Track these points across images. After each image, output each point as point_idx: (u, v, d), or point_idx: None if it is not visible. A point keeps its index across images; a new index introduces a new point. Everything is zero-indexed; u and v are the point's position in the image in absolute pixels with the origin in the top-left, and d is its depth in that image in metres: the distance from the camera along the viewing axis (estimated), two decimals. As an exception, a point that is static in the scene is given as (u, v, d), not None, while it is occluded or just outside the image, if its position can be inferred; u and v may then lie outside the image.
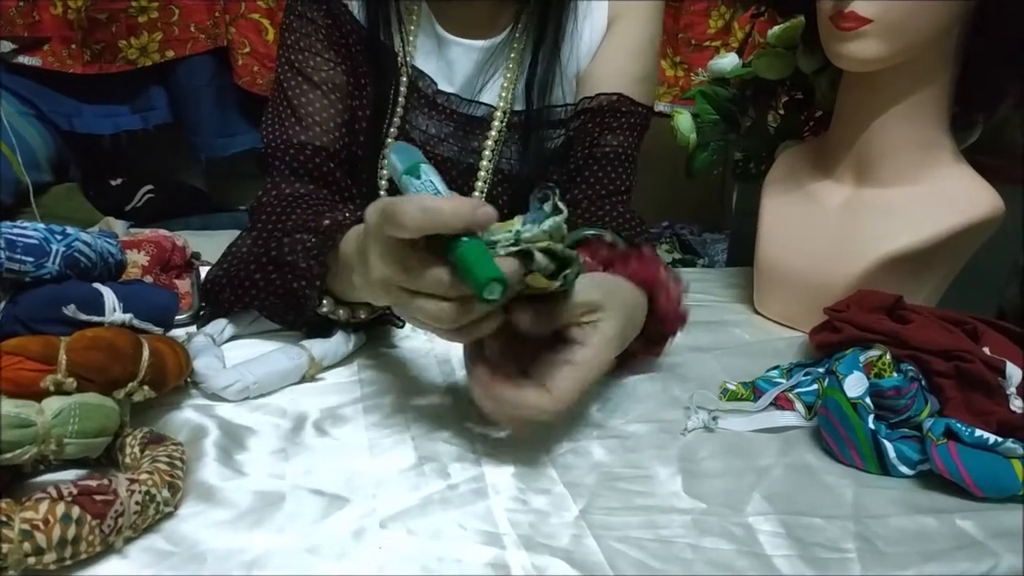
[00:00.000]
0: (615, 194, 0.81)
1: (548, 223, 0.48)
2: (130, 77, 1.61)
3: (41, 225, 0.51)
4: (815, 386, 0.62)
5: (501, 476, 0.51)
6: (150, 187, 1.73)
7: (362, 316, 0.66)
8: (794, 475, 0.54)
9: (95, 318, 0.50)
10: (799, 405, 0.61)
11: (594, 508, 0.49)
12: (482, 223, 0.45)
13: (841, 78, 0.78)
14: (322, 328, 0.66)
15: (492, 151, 0.83)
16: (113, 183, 1.73)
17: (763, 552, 0.46)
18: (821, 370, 0.64)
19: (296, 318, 0.65)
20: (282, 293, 0.64)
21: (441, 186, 0.49)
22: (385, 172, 0.82)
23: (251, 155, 1.75)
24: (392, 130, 0.82)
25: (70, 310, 0.49)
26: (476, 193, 0.83)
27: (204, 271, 0.80)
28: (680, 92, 1.74)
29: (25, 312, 0.50)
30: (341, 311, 0.65)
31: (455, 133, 0.84)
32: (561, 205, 0.49)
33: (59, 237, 0.50)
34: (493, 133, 0.83)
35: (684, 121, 1.03)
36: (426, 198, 0.46)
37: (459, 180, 0.84)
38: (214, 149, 1.76)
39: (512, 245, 0.47)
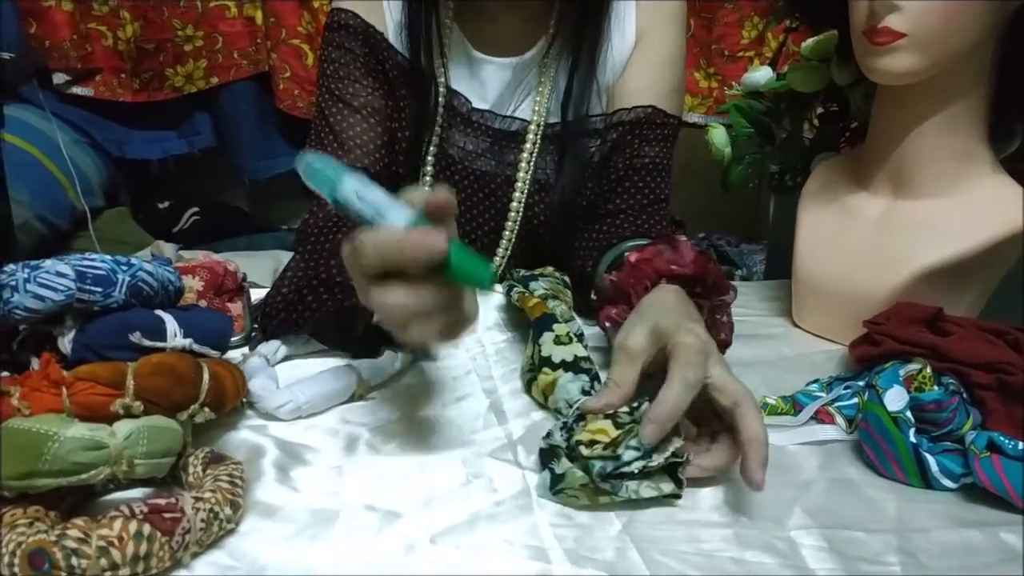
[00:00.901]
0: (655, 203, 0.83)
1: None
2: (176, 104, 1.66)
3: (108, 257, 0.54)
4: (855, 400, 0.62)
5: (546, 492, 0.53)
6: (196, 209, 1.78)
7: None
8: (836, 489, 0.55)
9: (158, 344, 0.53)
10: (839, 419, 0.61)
11: (637, 522, 0.50)
12: (434, 256, 0.44)
13: (876, 90, 0.79)
14: (371, 350, 0.69)
15: (528, 163, 0.85)
16: (161, 206, 1.78)
17: (806, 566, 0.47)
18: (861, 384, 0.64)
19: (347, 338, 0.68)
20: (333, 313, 0.66)
21: (378, 196, 0.47)
22: (427, 187, 0.85)
23: (292, 176, 1.78)
24: (431, 148, 0.85)
25: (136, 337, 0.51)
26: (514, 204, 0.85)
27: (253, 292, 0.83)
28: (714, 104, 1.74)
29: (94, 340, 0.53)
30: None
31: (491, 148, 0.86)
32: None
33: (124, 268, 0.53)
34: (528, 146, 0.85)
35: (718, 135, 1.03)
36: (378, 234, 0.45)
37: (498, 192, 0.86)
38: (257, 171, 1.81)
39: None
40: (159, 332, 0.53)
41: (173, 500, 0.44)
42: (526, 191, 0.86)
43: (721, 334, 0.65)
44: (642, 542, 0.48)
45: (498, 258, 0.88)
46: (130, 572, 0.41)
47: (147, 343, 0.52)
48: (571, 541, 0.48)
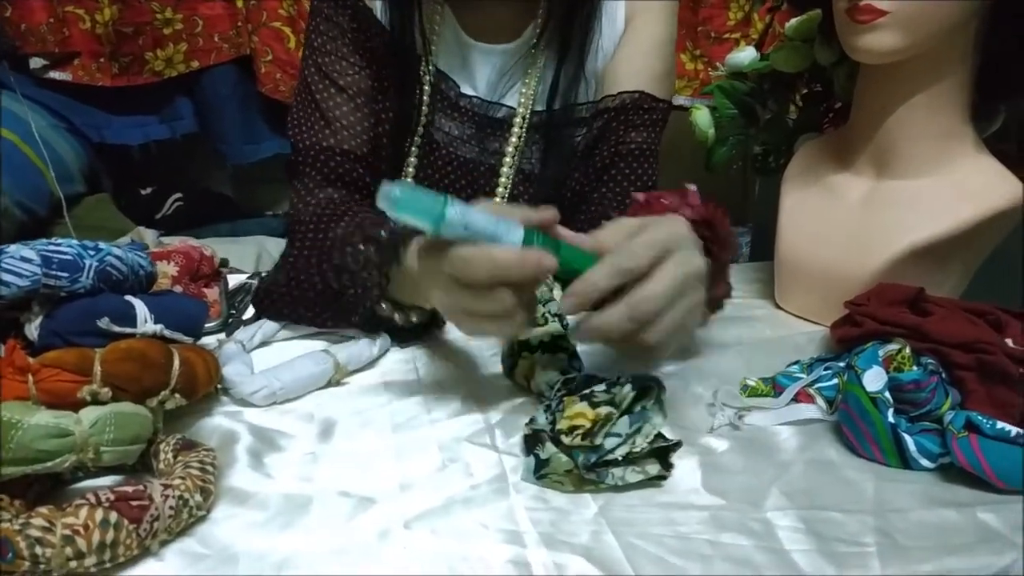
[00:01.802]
0: (642, 190, 0.82)
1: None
2: (157, 88, 1.64)
3: (75, 241, 0.53)
4: (835, 381, 0.62)
5: (521, 475, 0.52)
6: (179, 195, 1.76)
7: (414, 320, 0.69)
8: (814, 470, 0.54)
9: (127, 329, 0.52)
10: (819, 400, 0.61)
11: (613, 505, 0.49)
12: (547, 273, 0.50)
13: (859, 70, 0.78)
14: (372, 328, 0.69)
15: (513, 153, 0.84)
16: (143, 192, 1.77)
17: (781, 547, 0.46)
18: (841, 365, 0.64)
19: (349, 324, 0.68)
20: (342, 302, 0.67)
21: (484, 219, 0.50)
22: (411, 170, 0.83)
23: (275, 160, 1.78)
24: (419, 129, 0.83)
25: (104, 323, 0.51)
26: (499, 191, 0.84)
27: (232, 279, 0.82)
28: (700, 85, 1.73)
29: (61, 326, 0.52)
30: (397, 315, 0.68)
31: (477, 135, 0.85)
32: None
33: (92, 252, 0.52)
34: (515, 134, 0.84)
35: (702, 117, 1.03)
36: (493, 252, 0.49)
37: (481, 180, 0.85)
38: (240, 156, 1.79)
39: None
40: (128, 318, 0.52)
41: (141, 487, 0.43)
42: (511, 181, 0.85)
43: (719, 292, 0.65)
44: (618, 525, 0.47)
45: None
46: (96, 560, 0.41)
47: (116, 329, 0.51)
48: (547, 525, 0.48)
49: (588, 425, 0.51)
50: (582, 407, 0.52)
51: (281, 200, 1.89)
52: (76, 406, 0.46)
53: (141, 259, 0.57)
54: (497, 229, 0.50)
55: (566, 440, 0.50)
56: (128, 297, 0.54)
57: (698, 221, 0.62)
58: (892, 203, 0.75)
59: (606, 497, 0.50)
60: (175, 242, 0.76)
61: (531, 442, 0.54)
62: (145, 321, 0.53)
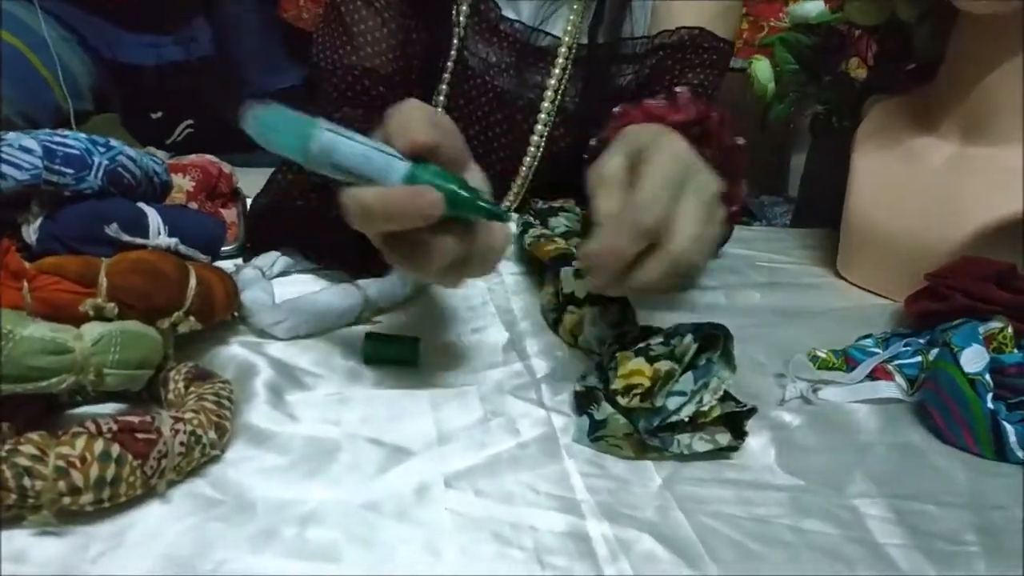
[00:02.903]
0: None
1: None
2: (173, 8, 1.55)
3: (83, 135, 0.46)
4: (918, 358, 0.56)
5: (574, 436, 0.47)
6: (190, 122, 1.69)
7: None
8: (898, 455, 0.49)
9: (139, 240, 0.45)
10: (899, 378, 0.55)
11: (679, 479, 0.44)
12: (429, 215, 0.39)
13: (954, 25, 0.71)
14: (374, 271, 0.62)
15: (556, 88, 0.77)
16: (154, 116, 1.69)
17: (873, 539, 0.41)
18: (923, 341, 0.58)
19: (351, 262, 0.61)
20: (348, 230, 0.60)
21: (357, 149, 0.40)
22: (442, 99, 0.76)
23: (295, 93, 1.71)
24: (451, 54, 0.76)
25: (112, 229, 0.44)
26: (538, 128, 0.77)
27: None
28: (744, 46, 1.64)
29: (63, 230, 0.45)
30: None
31: (516, 64, 0.77)
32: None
33: (102, 149, 0.45)
34: (559, 66, 0.76)
35: (763, 69, 0.95)
36: (357, 194, 0.39)
37: (518, 116, 0.77)
38: (258, 85, 1.71)
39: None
40: (140, 226, 0.46)
41: (148, 419, 0.37)
42: (551, 119, 0.77)
43: (733, 205, 0.57)
44: (687, 502, 0.42)
45: (515, 190, 0.80)
46: (93, 498, 0.35)
47: (125, 238, 0.44)
48: (606, 494, 0.42)
49: (647, 384, 0.44)
50: (638, 363, 0.46)
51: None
52: (77, 320, 0.40)
53: (156, 164, 0.50)
54: (370, 166, 0.39)
55: (623, 401, 0.44)
56: (141, 204, 0.47)
57: (689, 123, 0.55)
58: (980, 171, 0.68)
59: (670, 468, 0.44)
60: (191, 157, 0.69)
61: (584, 401, 0.48)
62: (159, 233, 0.46)
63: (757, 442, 0.48)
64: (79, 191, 0.45)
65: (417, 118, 0.41)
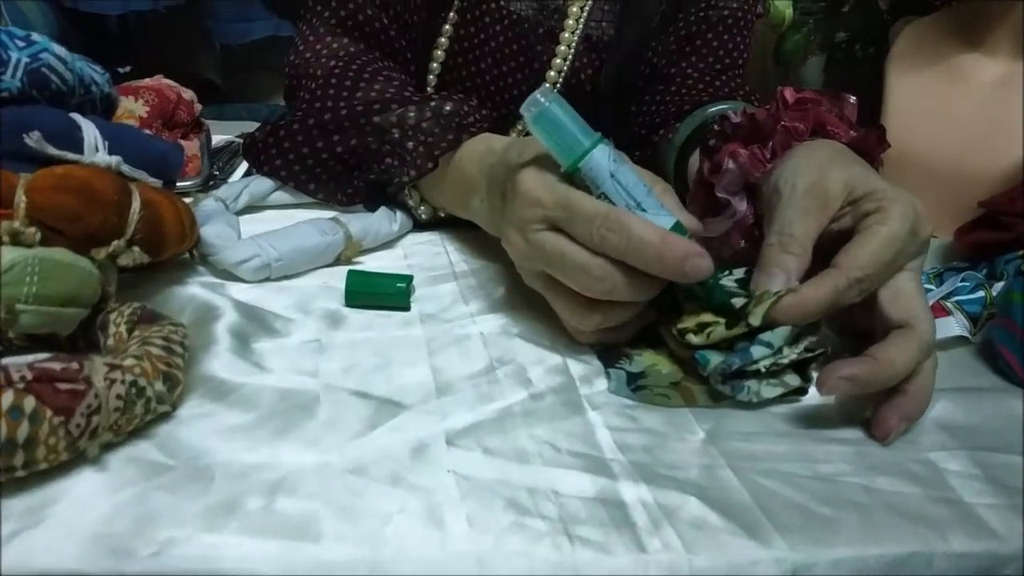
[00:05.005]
0: (731, 68, 0.67)
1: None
2: (139, -49, 1.45)
3: (-2, 28, 0.38)
4: (980, 293, 0.49)
5: (597, 385, 0.40)
6: (160, 77, 1.60)
7: (442, 216, 0.57)
8: (971, 401, 0.42)
9: (70, 155, 0.37)
10: (959, 315, 0.48)
11: (725, 431, 0.37)
12: (696, 273, 0.37)
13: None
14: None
15: (578, 15, 0.67)
16: (121, 71, 1.59)
17: (959, 499, 0.34)
18: (981, 275, 0.51)
19: (356, 196, 0.56)
20: (362, 165, 0.55)
21: (636, 182, 0.38)
22: (448, 28, 0.67)
23: (269, 45, 1.61)
24: None
25: (34, 139, 0.36)
26: (556, 62, 0.68)
27: (217, 139, 0.68)
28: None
29: (-24, 142, 0.37)
30: (423, 208, 0.57)
31: None
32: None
33: (21, 44, 0.37)
34: None
35: (781, -8, 0.87)
36: (631, 221, 0.37)
37: (538, 47, 0.68)
38: (230, 35, 1.62)
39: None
40: (71, 139, 0.38)
41: (75, 366, 0.30)
42: (572, 50, 0.68)
43: None
44: (737, 459, 0.35)
45: (519, 127, 0.71)
46: (3, 464, 0.27)
47: (52, 150, 0.36)
48: (640, 452, 0.35)
49: (722, 326, 0.38)
50: (697, 310, 0.39)
51: (275, 91, 1.72)
52: (-13, 248, 0.32)
53: (96, 72, 0.42)
54: (648, 200, 0.38)
55: (695, 340, 0.38)
56: (74, 115, 0.39)
57: (848, 142, 0.47)
58: (1036, 89, 0.61)
59: (713, 419, 0.38)
60: (146, 80, 0.61)
61: (608, 357, 0.41)
62: (96, 149, 0.38)
63: (810, 389, 0.41)
64: (-7, 95, 0.37)
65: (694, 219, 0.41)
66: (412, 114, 0.54)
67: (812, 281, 0.38)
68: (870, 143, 0.46)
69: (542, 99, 0.38)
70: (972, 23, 0.66)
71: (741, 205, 0.47)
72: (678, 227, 0.38)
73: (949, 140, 0.64)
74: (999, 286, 0.49)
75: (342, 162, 0.56)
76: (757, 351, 0.37)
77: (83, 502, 0.29)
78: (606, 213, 0.37)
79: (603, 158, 0.38)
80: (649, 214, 0.38)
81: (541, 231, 0.39)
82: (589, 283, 0.38)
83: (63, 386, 0.29)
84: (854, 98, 0.48)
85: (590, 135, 0.38)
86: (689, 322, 0.38)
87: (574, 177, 0.39)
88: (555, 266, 0.39)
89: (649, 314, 0.42)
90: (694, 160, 0.56)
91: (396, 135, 0.54)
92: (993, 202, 0.55)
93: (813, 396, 0.40)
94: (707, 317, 0.38)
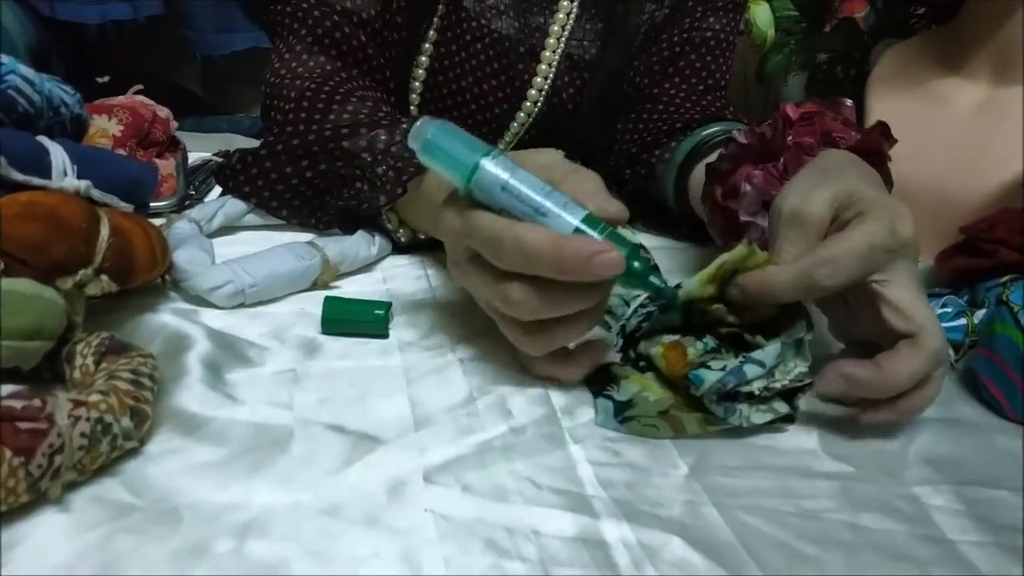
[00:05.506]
0: (715, 88, 0.67)
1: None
2: (117, -43, 1.43)
3: (-37, 50, 0.37)
4: (962, 320, 0.49)
5: (579, 416, 0.39)
6: (139, 87, 1.57)
7: (422, 237, 0.56)
8: (954, 433, 0.42)
9: (36, 180, 0.36)
10: (941, 345, 0.48)
11: (708, 466, 0.36)
12: (603, 271, 0.35)
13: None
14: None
15: (559, 34, 0.67)
16: (100, 80, 1.57)
17: (943, 536, 0.34)
18: (963, 301, 0.51)
19: (330, 220, 0.56)
20: (333, 190, 0.55)
21: (532, 190, 0.37)
22: (428, 47, 0.66)
23: (252, 56, 1.60)
24: None
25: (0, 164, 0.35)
26: (537, 80, 0.67)
27: (193, 156, 0.67)
28: None
29: (-62, 167, 0.36)
30: (402, 231, 0.56)
31: (517, 5, 0.67)
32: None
33: (-14, 66, 0.36)
34: (563, 8, 0.67)
35: (762, 13, 0.88)
36: (520, 232, 0.36)
37: (519, 65, 0.67)
38: (211, 46, 1.59)
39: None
40: (38, 164, 0.37)
41: (37, 403, 0.29)
42: (554, 68, 0.67)
43: None
44: (720, 495, 0.34)
45: (501, 146, 0.70)
46: (-43, 510, 0.26)
47: (16, 176, 0.35)
48: (623, 488, 0.34)
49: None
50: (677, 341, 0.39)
51: (256, 102, 1.70)
52: (-52, 279, 0.31)
53: (65, 94, 0.41)
54: (547, 202, 0.36)
55: (692, 355, 0.38)
56: (41, 138, 0.38)
57: (857, 148, 0.46)
58: (1015, 113, 0.61)
59: (696, 453, 0.37)
60: (120, 98, 0.60)
61: (598, 380, 0.40)
62: (64, 173, 0.37)
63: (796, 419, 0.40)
64: (-44, 119, 0.36)
65: (614, 201, 0.39)
66: (383, 138, 0.53)
67: (781, 265, 0.38)
68: (876, 141, 0.46)
69: (422, 128, 0.37)
70: (952, 47, 0.67)
71: (764, 222, 0.47)
72: (589, 220, 0.36)
73: (928, 163, 0.64)
74: (980, 313, 0.49)
75: (313, 187, 0.56)
76: (750, 370, 0.36)
77: (44, 546, 0.28)
78: (498, 234, 0.36)
79: (490, 173, 0.36)
80: (549, 218, 0.36)
81: (465, 263, 0.39)
82: (513, 309, 0.37)
83: (24, 425, 0.28)
84: (850, 101, 0.48)
85: (473, 153, 0.37)
86: (657, 350, 0.38)
87: (474, 199, 0.38)
88: (482, 298, 0.39)
89: (605, 353, 0.41)
90: (695, 179, 0.56)
91: (367, 159, 0.53)
92: (973, 228, 0.55)
93: (798, 428, 0.40)
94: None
